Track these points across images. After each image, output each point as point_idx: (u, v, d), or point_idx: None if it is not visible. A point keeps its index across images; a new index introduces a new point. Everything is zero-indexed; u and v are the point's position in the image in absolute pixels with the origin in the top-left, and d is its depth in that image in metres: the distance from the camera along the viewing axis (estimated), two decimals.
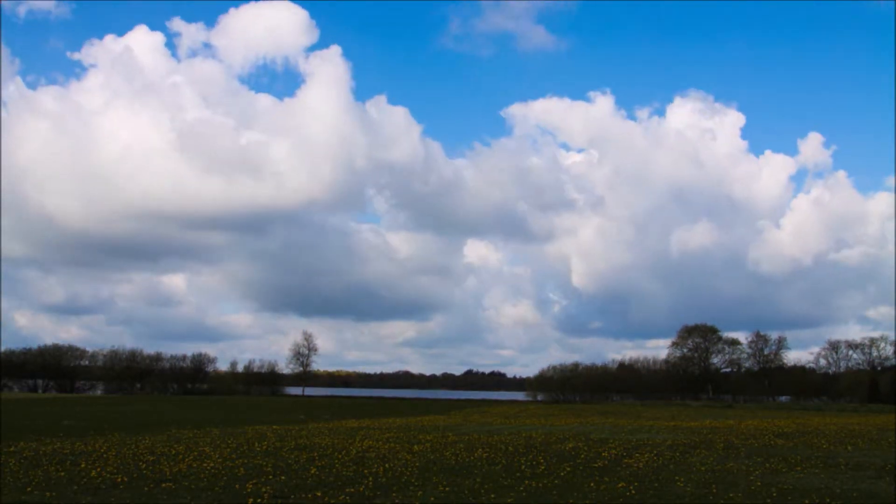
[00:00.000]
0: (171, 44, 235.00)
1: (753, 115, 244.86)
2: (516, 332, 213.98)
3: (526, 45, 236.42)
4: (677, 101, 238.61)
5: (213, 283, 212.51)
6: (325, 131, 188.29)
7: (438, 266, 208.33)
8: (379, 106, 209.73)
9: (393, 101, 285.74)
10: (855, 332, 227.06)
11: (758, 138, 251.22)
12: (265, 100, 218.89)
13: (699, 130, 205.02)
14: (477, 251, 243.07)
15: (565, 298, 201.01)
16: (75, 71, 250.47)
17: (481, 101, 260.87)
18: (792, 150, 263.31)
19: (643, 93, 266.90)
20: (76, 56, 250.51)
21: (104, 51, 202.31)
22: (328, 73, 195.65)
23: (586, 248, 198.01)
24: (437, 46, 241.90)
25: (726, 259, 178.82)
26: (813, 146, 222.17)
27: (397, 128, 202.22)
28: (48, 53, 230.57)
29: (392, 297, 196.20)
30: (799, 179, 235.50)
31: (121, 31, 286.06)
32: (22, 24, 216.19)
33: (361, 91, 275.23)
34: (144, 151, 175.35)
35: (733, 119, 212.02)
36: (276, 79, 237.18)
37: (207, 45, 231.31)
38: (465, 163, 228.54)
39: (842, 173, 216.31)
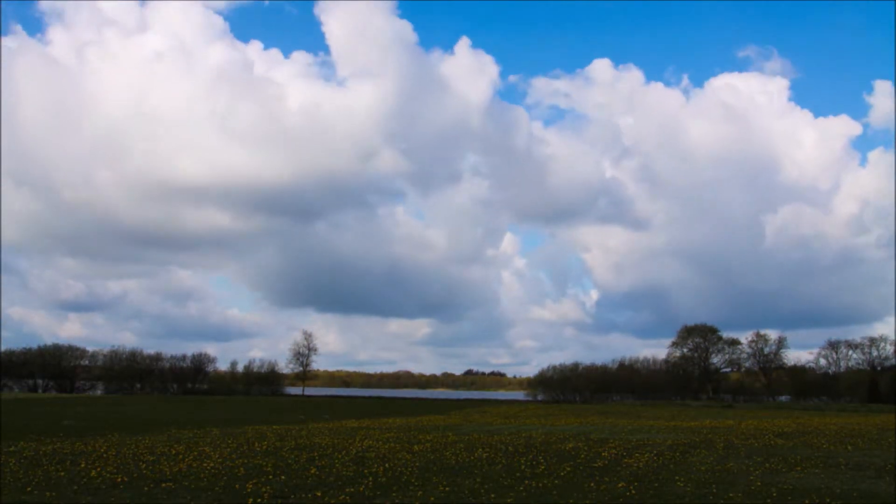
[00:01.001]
0: None
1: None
2: (538, 330, 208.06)
3: None
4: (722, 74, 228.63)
5: (227, 277, 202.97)
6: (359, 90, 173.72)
7: (472, 256, 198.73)
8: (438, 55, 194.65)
9: (450, 44, 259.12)
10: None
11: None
12: (278, 53, 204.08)
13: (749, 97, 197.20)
14: (512, 241, 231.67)
15: (596, 292, 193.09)
16: (39, 26, 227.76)
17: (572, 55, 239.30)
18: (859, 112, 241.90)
19: (672, 62, 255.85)
20: (31, 11, 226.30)
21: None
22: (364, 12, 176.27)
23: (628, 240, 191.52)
24: None
25: (770, 249, 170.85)
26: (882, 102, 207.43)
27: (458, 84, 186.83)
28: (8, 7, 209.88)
29: (413, 292, 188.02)
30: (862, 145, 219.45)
31: None
32: None
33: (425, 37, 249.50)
34: (148, 118, 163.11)
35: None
36: (293, 20, 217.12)
37: None
38: (540, 131, 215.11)
39: None
